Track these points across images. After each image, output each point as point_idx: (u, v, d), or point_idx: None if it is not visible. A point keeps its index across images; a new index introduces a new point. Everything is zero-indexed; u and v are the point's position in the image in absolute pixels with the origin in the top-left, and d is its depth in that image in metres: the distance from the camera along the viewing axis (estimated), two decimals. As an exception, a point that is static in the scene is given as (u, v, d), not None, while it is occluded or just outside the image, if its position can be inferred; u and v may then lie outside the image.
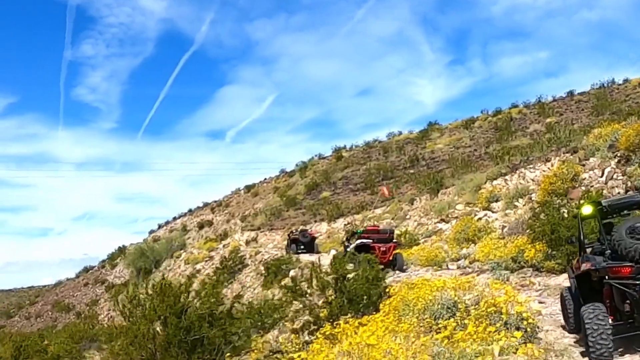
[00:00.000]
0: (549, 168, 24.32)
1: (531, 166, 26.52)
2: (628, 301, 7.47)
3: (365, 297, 10.69)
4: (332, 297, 10.76)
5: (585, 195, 17.91)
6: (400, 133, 74.26)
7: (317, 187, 62.17)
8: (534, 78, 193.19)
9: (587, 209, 8.85)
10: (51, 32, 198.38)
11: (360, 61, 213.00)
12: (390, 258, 21.41)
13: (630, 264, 7.41)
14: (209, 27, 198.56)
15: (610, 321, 7.39)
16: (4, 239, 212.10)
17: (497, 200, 26.23)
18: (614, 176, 20.00)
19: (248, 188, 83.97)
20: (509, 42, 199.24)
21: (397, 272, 21.27)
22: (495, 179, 28.44)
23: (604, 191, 19.38)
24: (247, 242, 50.57)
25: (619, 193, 18.92)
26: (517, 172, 27.21)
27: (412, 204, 35.83)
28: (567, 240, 10.77)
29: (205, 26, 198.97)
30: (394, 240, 22.53)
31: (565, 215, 16.34)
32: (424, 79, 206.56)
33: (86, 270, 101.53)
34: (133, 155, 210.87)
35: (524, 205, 23.19)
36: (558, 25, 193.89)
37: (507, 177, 27.72)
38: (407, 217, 34.46)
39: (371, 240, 21.70)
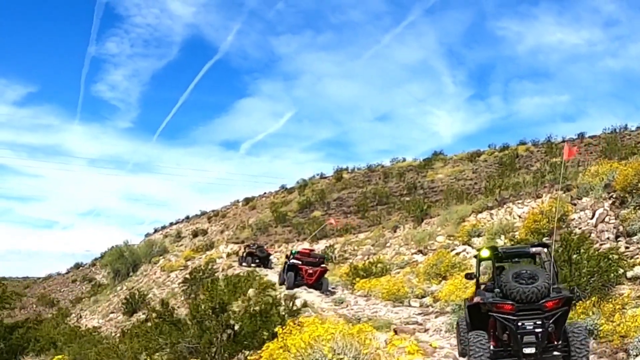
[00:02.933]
0: (538, 205, 21.83)
1: (520, 201, 24.05)
2: (507, 332, 8.83)
3: (250, 335, 8.22)
4: (210, 330, 8.33)
5: (566, 237, 15.31)
6: (404, 159, 72.03)
7: (310, 206, 60.20)
8: (552, 120, 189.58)
9: (485, 252, 10.11)
10: (77, 26, 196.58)
11: (381, 86, 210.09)
12: (317, 280, 23.08)
13: (512, 302, 8.71)
14: (234, 37, 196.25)
15: (491, 346, 8.98)
16: (8, 227, 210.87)
17: (479, 235, 23.77)
18: (606, 219, 17.48)
19: (247, 201, 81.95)
20: (531, 82, 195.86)
21: (353, 305, 19.53)
22: (480, 212, 25.96)
23: (592, 234, 16.87)
24: (228, 255, 48.38)
25: (608, 238, 16.43)
26: (505, 206, 24.73)
27: (395, 231, 33.36)
28: (466, 276, 11.13)
29: (231, 36, 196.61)
30: (323, 265, 24.05)
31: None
32: (442, 110, 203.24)
33: (77, 266, 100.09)
34: (146, 156, 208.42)
35: (505, 242, 20.66)
36: (581, 71, 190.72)
37: (493, 211, 25.23)
38: (388, 244, 32.00)
39: (300, 262, 23.33)
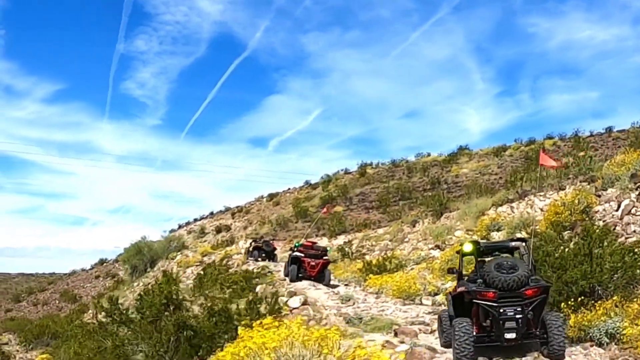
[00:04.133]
0: (561, 197, 20.48)
1: (542, 194, 22.69)
2: (489, 318, 9.43)
3: (209, 337, 7.13)
4: (164, 331, 7.25)
5: (588, 229, 13.95)
6: (429, 154, 70.62)
7: (332, 201, 59.10)
8: (581, 117, 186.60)
9: (467, 247, 10.72)
10: (106, 24, 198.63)
11: (409, 83, 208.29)
12: (319, 273, 23.03)
13: (494, 290, 9.30)
14: (263, 34, 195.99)
15: (474, 332, 9.45)
16: (39, 224, 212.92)
17: (498, 229, 22.49)
18: (632, 210, 16.14)
19: (271, 196, 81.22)
20: (560, 78, 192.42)
21: (361, 302, 18.61)
22: (501, 205, 24.64)
23: (618, 227, 15.54)
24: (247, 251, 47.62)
25: (634, 231, 15.10)
26: (526, 199, 23.39)
27: (414, 226, 32.12)
28: (448, 270, 11.64)
29: (260, 33, 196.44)
30: (325, 258, 23.82)
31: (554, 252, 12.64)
32: (471, 107, 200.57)
33: (101, 262, 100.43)
34: (174, 154, 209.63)
35: (524, 236, 19.37)
36: (610, 67, 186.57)
37: (514, 203, 23.90)
38: (406, 239, 30.79)
39: (303, 255, 23.15)
